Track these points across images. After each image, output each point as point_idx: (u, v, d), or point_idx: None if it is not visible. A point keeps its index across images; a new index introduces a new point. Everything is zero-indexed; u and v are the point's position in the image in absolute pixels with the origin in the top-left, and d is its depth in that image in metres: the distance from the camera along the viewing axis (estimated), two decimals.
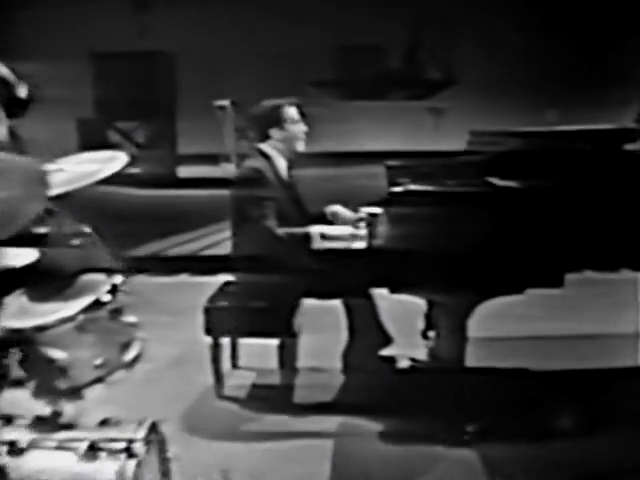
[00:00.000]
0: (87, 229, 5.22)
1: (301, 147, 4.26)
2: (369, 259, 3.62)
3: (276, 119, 4.18)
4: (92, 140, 14.20)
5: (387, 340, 4.26)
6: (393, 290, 3.55)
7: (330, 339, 4.48)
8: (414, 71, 16.81)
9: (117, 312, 2.40)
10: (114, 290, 2.38)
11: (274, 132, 4.20)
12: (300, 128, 4.23)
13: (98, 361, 2.33)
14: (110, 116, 14.37)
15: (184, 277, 7.28)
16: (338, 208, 4.33)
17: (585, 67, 15.10)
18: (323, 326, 4.64)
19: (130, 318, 2.47)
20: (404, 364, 4.42)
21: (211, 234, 8.87)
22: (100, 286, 2.38)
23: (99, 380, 2.35)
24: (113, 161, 2.65)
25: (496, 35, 15.29)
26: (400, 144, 15.12)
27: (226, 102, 11.55)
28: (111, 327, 2.38)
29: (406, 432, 3.68)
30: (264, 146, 4.24)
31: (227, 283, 4.34)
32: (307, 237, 3.95)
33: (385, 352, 4.31)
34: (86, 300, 2.31)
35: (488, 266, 3.45)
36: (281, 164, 4.24)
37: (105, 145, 14.11)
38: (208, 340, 4.13)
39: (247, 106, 12.86)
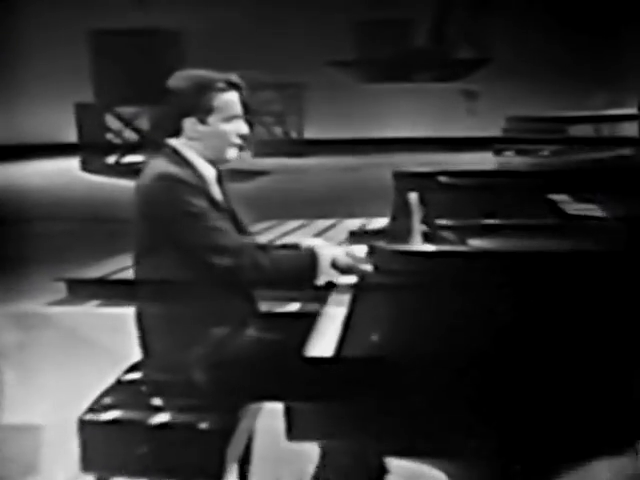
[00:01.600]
0: None
1: (232, 155, 2.61)
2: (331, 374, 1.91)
3: (197, 104, 2.53)
4: (91, 127, 13.38)
5: (382, 470, 2.64)
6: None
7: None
8: (443, 49, 15.81)
9: None
10: None
11: (189, 124, 2.54)
12: (236, 128, 2.58)
13: None
14: (110, 100, 13.29)
15: None
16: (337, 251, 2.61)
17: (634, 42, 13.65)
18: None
19: None
20: None
21: None
22: None
23: None
24: None
25: (533, 8, 14.24)
26: (428, 131, 13.98)
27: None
28: None
29: None
30: (177, 143, 2.58)
31: (133, 367, 2.73)
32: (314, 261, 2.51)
33: None
34: None
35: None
36: (206, 172, 2.59)
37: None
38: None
39: (261, 87, 11.82)
